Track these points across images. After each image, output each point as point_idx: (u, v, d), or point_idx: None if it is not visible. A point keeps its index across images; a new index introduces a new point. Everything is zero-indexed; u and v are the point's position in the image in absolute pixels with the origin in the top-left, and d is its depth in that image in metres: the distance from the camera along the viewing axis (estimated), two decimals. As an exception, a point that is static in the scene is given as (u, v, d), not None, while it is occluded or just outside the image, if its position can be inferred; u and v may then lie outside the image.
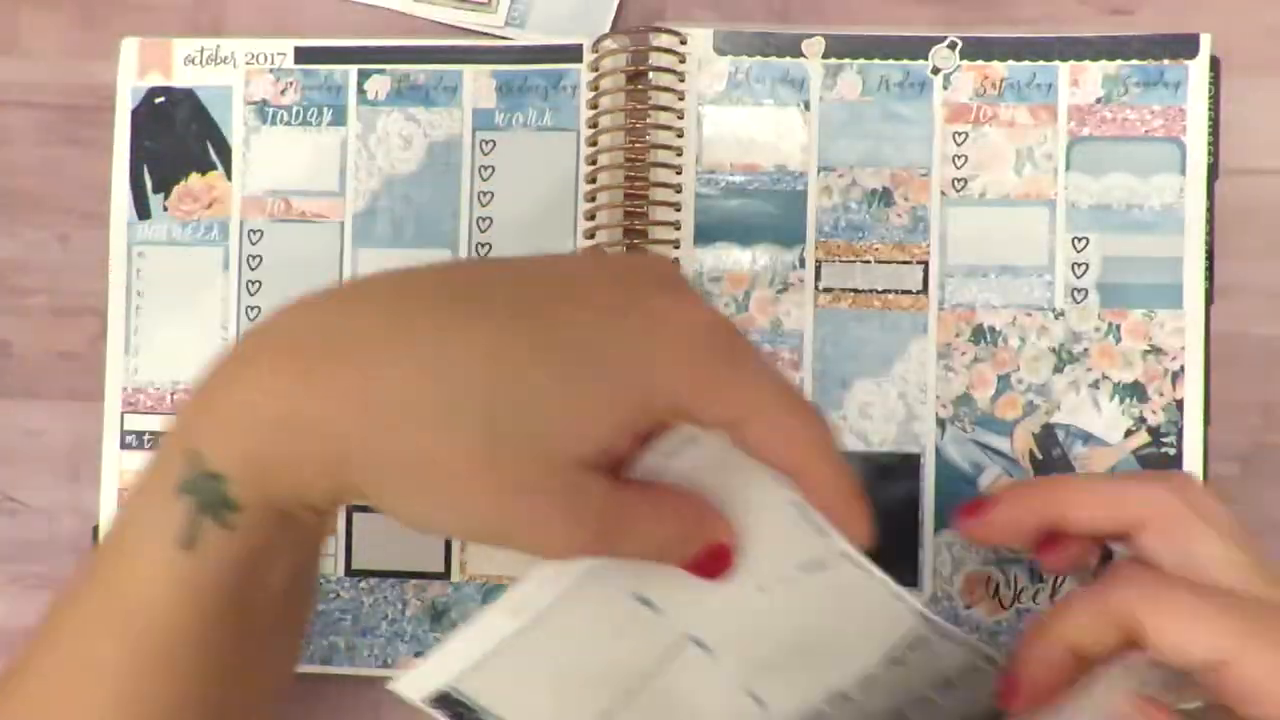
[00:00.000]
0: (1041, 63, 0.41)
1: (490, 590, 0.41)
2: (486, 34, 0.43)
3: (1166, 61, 0.40)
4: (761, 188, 0.41)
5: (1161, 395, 0.40)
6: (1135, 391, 0.40)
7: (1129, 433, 0.40)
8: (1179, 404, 0.40)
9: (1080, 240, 0.40)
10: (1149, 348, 0.40)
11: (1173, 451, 0.40)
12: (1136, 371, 0.40)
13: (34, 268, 0.44)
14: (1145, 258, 0.40)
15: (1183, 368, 0.40)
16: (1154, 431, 0.40)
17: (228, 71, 0.43)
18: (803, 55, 0.41)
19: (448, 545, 0.42)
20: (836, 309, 0.41)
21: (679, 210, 0.41)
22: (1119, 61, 0.41)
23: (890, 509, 0.40)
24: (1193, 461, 0.40)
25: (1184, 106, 0.40)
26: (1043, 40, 0.41)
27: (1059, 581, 0.40)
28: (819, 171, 0.41)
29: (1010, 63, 0.41)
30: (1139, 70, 0.41)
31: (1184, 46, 0.40)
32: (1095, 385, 0.40)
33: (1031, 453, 0.40)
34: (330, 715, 0.42)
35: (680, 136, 0.41)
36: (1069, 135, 0.41)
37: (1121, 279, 0.40)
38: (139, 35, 0.43)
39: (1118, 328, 0.40)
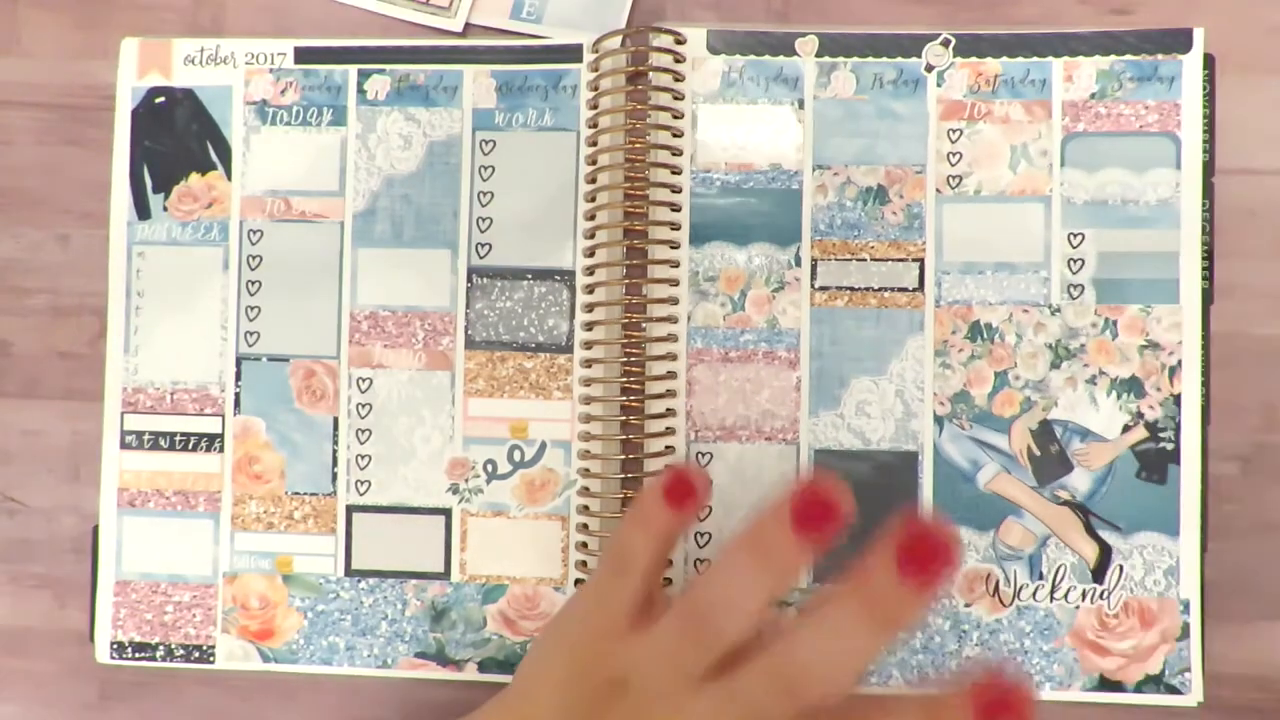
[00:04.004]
0: (1035, 59, 0.41)
1: (490, 590, 0.41)
2: (492, 33, 0.43)
3: (1160, 56, 0.41)
4: (757, 186, 0.41)
5: (1159, 390, 0.40)
6: (1133, 386, 0.40)
7: (1126, 428, 0.40)
8: (1177, 399, 0.40)
9: (1076, 236, 0.41)
10: (1146, 343, 0.40)
11: (1170, 446, 0.40)
12: (1134, 366, 0.40)
13: (34, 268, 0.44)
14: (1141, 253, 0.40)
15: (1180, 363, 0.40)
16: (1151, 427, 0.40)
17: (227, 71, 0.43)
18: (796, 54, 0.41)
19: (448, 545, 0.42)
20: (833, 307, 0.41)
21: (678, 211, 0.41)
22: (1113, 57, 0.41)
23: (888, 507, 0.40)
24: (1191, 456, 0.40)
25: (1178, 101, 0.40)
26: (1036, 36, 0.41)
27: (1059, 577, 0.40)
28: (814, 170, 0.41)
29: (1004, 59, 0.41)
30: (1133, 65, 0.41)
31: (1177, 41, 0.40)
32: (1092, 381, 0.40)
33: (1029, 449, 0.40)
34: (330, 714, 0.42)
35: (679, 137, 0.41)
36: (1064, 131, 0.41)
37: (1117, 274, 0.40)
38: (139, 35, 0.44)
39: (1114, 323, 0.40)
